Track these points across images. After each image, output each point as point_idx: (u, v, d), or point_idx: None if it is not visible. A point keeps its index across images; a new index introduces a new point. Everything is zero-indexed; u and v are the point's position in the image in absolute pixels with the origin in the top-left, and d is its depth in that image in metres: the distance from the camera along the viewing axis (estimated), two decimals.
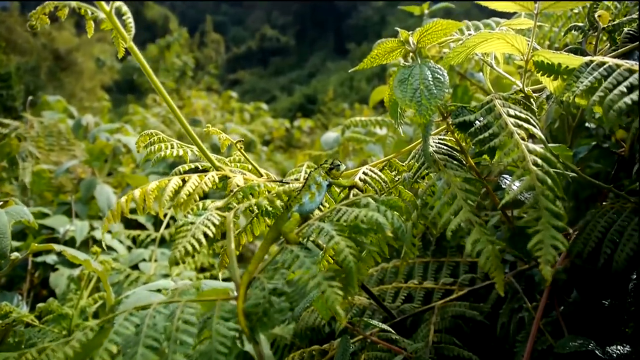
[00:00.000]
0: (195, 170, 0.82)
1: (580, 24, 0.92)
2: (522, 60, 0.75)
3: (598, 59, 0.64)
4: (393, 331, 0.88)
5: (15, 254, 1.02)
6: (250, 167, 0.88)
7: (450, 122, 0.71)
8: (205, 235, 0.62)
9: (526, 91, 0.76)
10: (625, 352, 0.75)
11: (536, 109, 0.75)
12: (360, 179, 0.78)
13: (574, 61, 0.68)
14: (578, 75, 0.64)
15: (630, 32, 0.80)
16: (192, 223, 0.64)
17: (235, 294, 0.59)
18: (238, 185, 0.72)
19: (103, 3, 0.70)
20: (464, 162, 0.73)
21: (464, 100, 1.61)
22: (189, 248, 0.60)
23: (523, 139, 0.60)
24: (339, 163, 0.77)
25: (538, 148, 0.58)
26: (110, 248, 1.85)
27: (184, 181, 0.71)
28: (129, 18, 0.74)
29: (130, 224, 2.16)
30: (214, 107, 5.72)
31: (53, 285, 1.55)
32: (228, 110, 6.04)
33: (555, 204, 0.53)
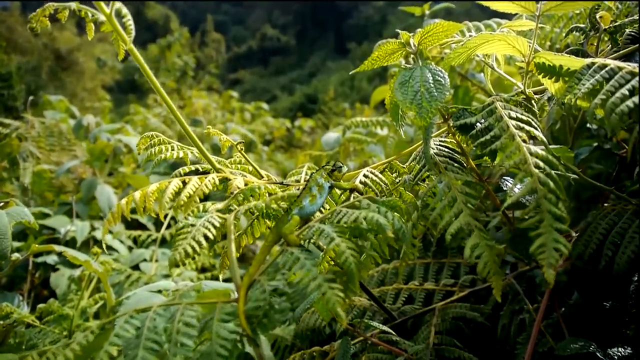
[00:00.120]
0: (196, 172, 0.82)
1: (582, 25, 0.92)
2: (523, 62, 0.74)
3: (599, 61, 0.64)
4: (394, 333, 0.88)
5: (15, 255, 1.02)
6: (250, 168, 0.88)
7: (451, 125, 0.70)
8: (206, 237, 0.62)
9: (527, 93, 0.76)
10: (627, 354, 0.75)
11: (537, 111, 0.75)
12: (360, 182, 0.77)
13: (575, 63, 0.67)
14: (579, 78, 0.64)
15: (632, 33, 0.79)
16: (192, 225, 0.64)
17: (236, 295, 0.59)
18: (238, 188, 0.72)
19: (103, 5, 0.70)
20: (465, 164, 0.72)
21: (465, 101, 1.61)
22: (189, 250, 0.60)
23: (524, 141, 0.60)
24: (341, 165, 0.76)
25: (539, 150, 0.58)
26: (111, 248, 1.85)
27: (184, 183, 0.71)
28: (129, 20, 0.73)
29: (131, 224, 2.16)
30: (215, 106, 5.71)
31: (54, 286, 1.55)
32: (229, 110, 6.04)
33: (558, 206, 0.53)
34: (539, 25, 0.75)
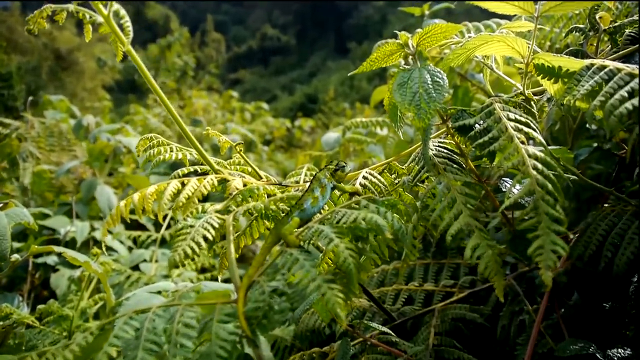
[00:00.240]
0: (195, 173, 0.82)
1: (581, 26, 0.92)
2: (522, 63, 0.74)
3: (599, 62, 0.64)
4: (393, 334, 0.88)
5: (15, 256, 1.02)
6: (249, 169, 0.88)
7: (450, 126, 0.70)
8: (205, 238, 0.62)
9: (527, 94, 0.76)
10: (626, 355, 0.75)
11: (537, 112, 0.75)
12: (360, 184, 0.77)
13: (574, 64, 0.67)
14: (579, 79, 0.63)
15: (632, 34, 0.79)
16: (191, 226, 0.64)
17: (235, 296, 0.59)
18: (237, 189, 0.72)
19: (101, 6, 0.70)
20: (464, 165, 0.72)
21: (464, 101, 1.61)
22: (189, 251, 0.60)
23: (523, 142, 0.60)
24: (345, 164, 0.76)
25: (538, 152, 0.58)
26: (111, 249, 1.85)
27: (183, 184, 0.71)
28: (127, 21, 0.73)
29: (131, 224, 2.16)
30: (215, 106, 5.72)
31: (54, 286, 1.55)
32: (229, 110, 6.04)
33: (555, 208, 0.53)
34: (538, 26, 0.75)
